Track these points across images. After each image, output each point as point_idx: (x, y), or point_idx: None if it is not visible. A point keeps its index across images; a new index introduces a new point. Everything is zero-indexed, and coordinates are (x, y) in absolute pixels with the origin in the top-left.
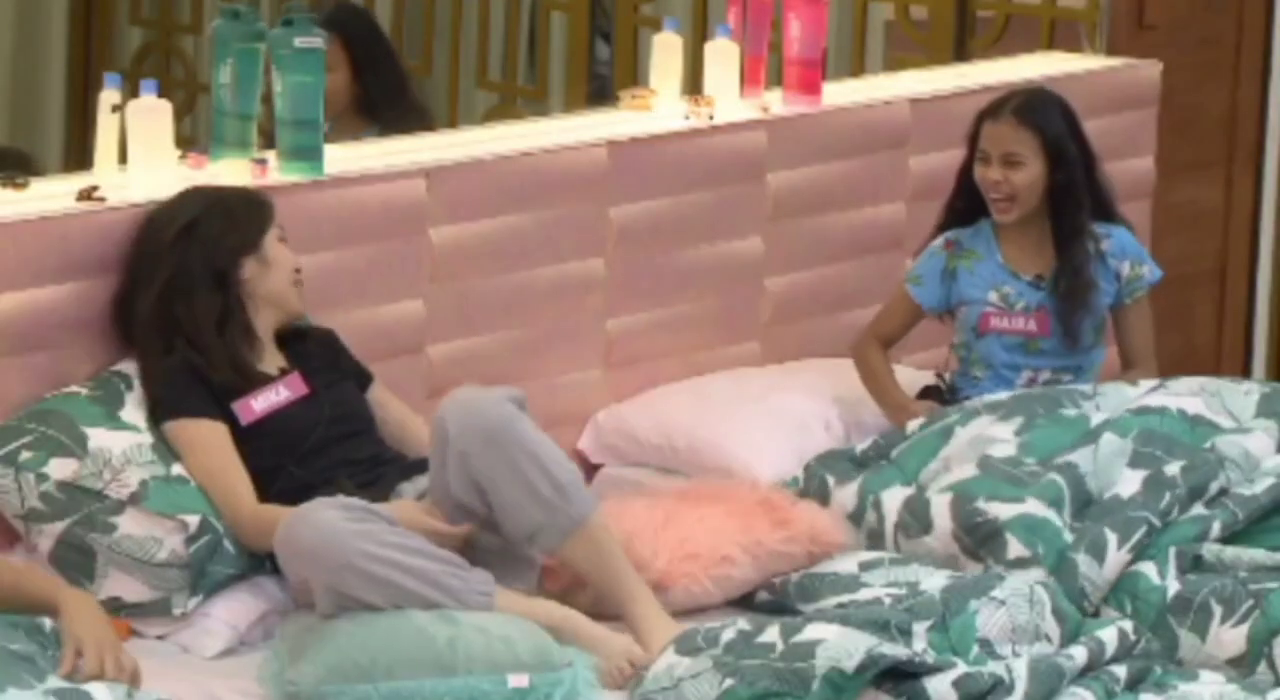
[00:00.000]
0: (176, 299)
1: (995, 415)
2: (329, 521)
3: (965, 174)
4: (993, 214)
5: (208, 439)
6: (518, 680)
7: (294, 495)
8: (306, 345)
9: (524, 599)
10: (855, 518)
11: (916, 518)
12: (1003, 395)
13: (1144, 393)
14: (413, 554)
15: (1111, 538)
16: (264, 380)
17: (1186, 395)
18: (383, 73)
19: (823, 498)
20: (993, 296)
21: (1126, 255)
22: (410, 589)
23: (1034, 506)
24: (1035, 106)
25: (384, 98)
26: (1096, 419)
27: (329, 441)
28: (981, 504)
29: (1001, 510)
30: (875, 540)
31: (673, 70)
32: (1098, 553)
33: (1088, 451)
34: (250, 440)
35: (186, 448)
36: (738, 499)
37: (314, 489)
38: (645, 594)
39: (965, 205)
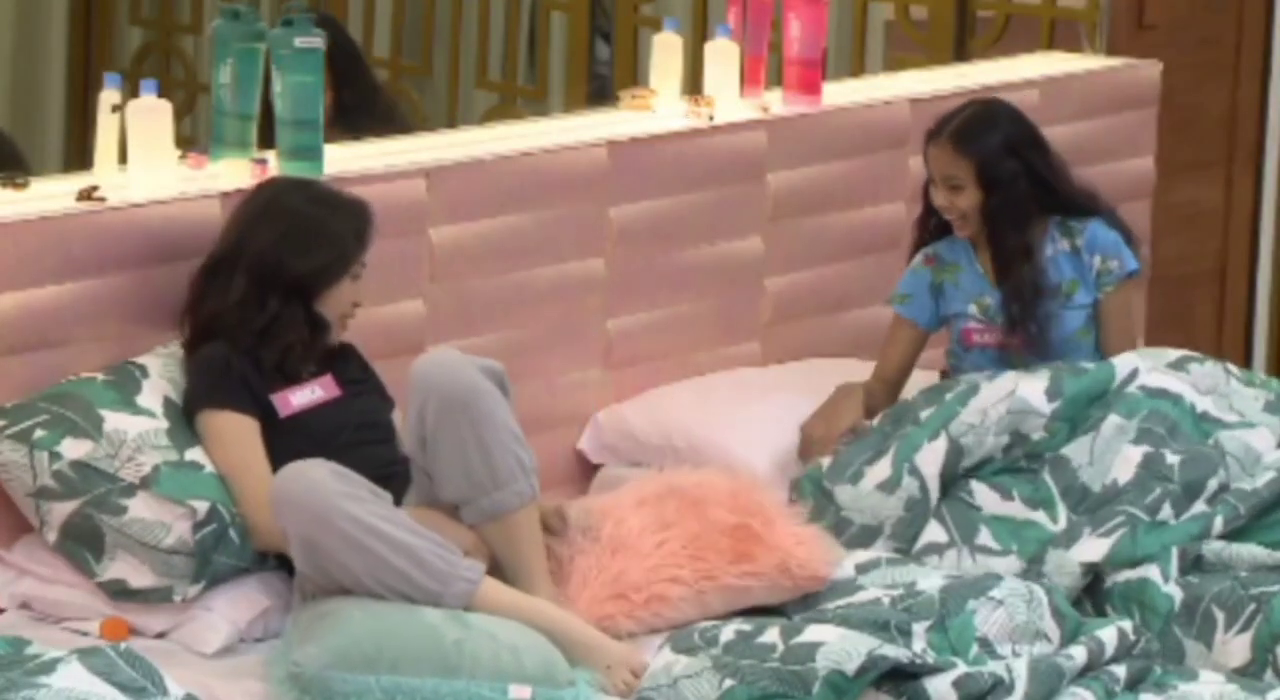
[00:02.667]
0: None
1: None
2: (317, 476)
3: (929, 192)
4: (955, 230)
5: (236, 432)
6: (519, 691)
7: None
8: (335, 354)
9: (516, 593)
10: (888, 486)
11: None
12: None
13: (1166, 365)
14: (399, 527)
15: (1085, 529)
16: (302, 379)
17: (1199, 394)
18: (357, 83)
19: (854, 478)
20: (973, 310)
21: (1097, 249)
22: (390, 561)
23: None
24: (972, 128)
25: (360, 107)
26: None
27: (355, 444)
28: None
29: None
30: (916, 508)
31: (673, 70)
32: (1070, 544)
33: (1085, 441)
34: (285, 433)
35: (214, 439)
36: (713, 519)
37: None
38: (547, 592)
39: (935, 221)
